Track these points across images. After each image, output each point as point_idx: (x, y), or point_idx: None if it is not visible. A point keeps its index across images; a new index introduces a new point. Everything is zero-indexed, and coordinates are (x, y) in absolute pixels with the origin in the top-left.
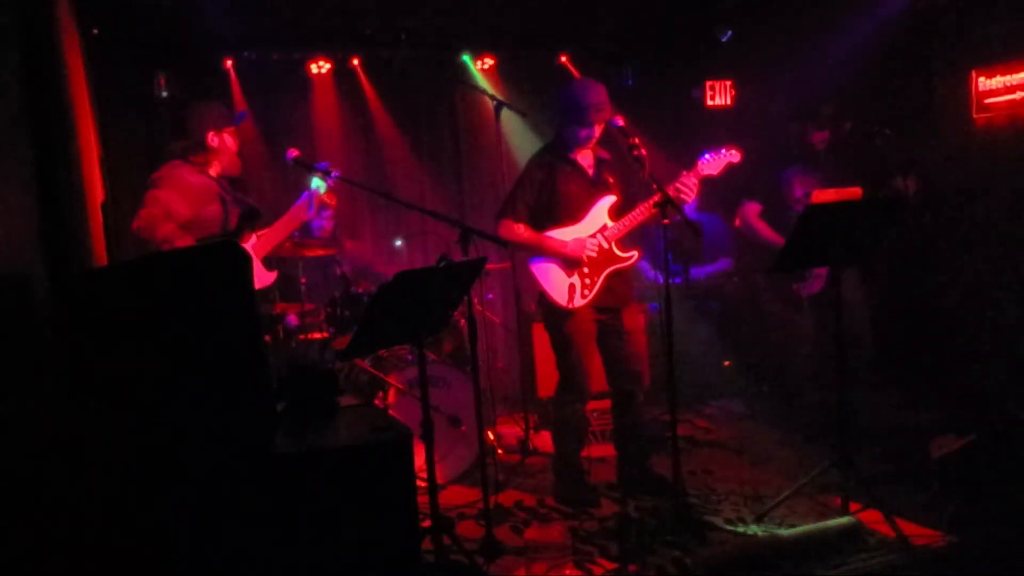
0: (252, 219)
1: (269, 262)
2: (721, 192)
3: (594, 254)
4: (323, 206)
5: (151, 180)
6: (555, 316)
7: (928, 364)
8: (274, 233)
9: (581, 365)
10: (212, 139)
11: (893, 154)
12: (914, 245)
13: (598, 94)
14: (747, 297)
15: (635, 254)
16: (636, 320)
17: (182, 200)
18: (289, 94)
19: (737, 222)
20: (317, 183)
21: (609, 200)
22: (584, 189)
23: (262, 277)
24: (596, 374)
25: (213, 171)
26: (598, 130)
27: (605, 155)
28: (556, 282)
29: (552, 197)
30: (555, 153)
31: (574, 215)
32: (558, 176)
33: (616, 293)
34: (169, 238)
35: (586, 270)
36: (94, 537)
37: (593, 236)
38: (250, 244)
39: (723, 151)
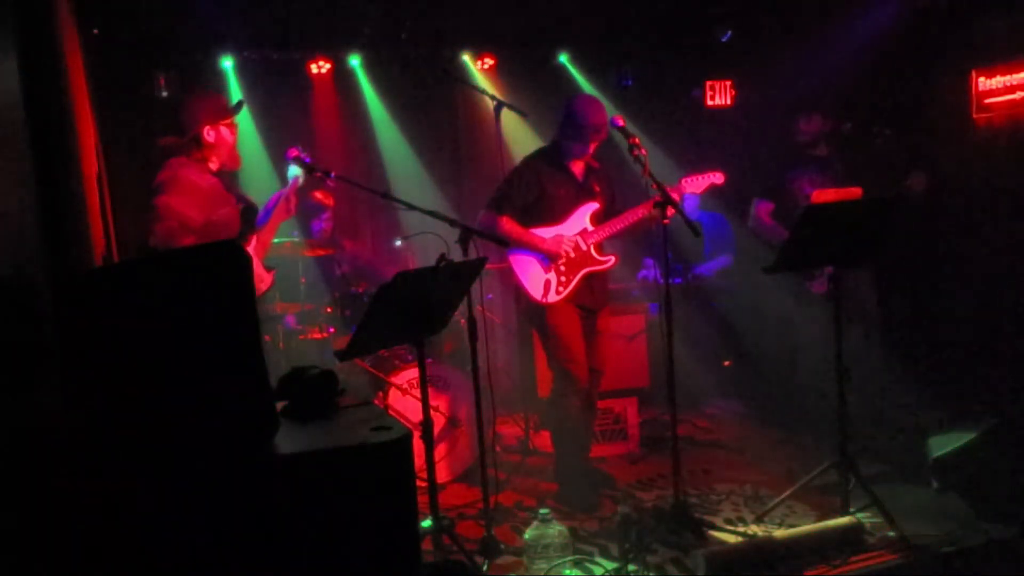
0: (251, 219)
1: (267, 262)
2: (728, 192)
3: (572, 253)
4: (320, 208)
5: (156, 185)
6: (535, 311)
7: (930, 363)
8: (267, 233)
9: (572, 356)
10: (208, 134)
11: (894, 154)
12: (916, 244)
13: (600, 115)
14: (749, 296)
15: (612, 259)
16: (624, 322)
17: (192, 204)
18: (289, 94)
19: (748, 221)
20: (294, 171)
21: (592, 207)
22: (570, 194)
23: (262, 279)
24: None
25: (213, 167)
26: (593, 147)
27: (595, 164)
28: (533, 276)
29: (539, 198)
30: (549, 158)
31: (558, 217)
32: (548, 179)
33: (595, 294)
34: None
35: (563, 268)
36: (93, 538)
37: (572, 237)
38: (251, 246)
39: (707, 173)
